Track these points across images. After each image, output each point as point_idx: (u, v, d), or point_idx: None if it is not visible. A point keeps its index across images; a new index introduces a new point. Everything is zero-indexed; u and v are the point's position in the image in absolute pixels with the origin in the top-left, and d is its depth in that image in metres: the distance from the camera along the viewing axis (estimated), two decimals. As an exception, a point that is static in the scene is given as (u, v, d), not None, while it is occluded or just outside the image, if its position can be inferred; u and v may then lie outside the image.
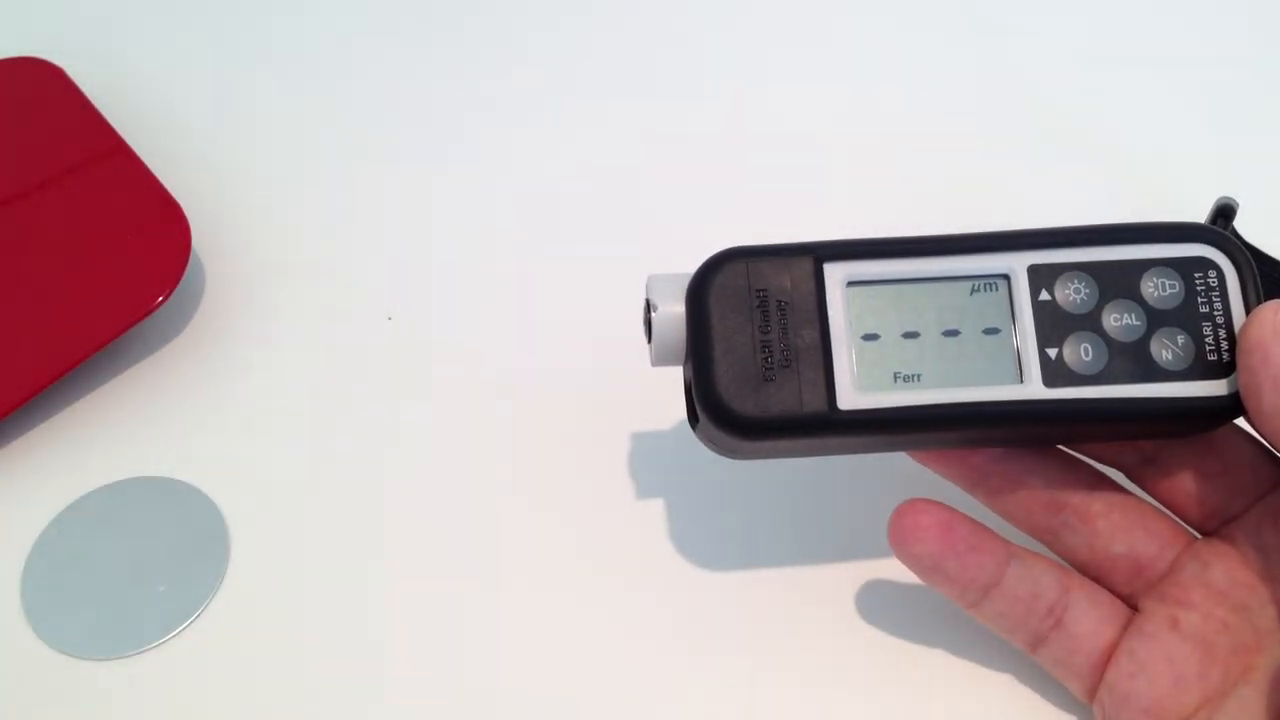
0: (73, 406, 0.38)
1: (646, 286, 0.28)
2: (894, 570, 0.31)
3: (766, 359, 0.26)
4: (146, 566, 0.34)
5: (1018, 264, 0.27)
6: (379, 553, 0.34)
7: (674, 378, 0.29)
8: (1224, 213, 0.35)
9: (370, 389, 0.38)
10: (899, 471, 0.31)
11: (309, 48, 0.49)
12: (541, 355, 0.38)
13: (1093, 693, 0.28)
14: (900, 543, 0.28)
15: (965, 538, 0.27)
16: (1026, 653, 0.29)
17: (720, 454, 0.29)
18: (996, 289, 0.27)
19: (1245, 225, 0.35)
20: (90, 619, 0.33)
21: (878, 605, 0.33)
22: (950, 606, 0.29)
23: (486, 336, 0.39)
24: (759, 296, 0.26)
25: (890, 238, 0.27)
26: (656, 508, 0.35)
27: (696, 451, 0.30)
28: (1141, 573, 0.28)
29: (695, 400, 0.27)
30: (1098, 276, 0.27)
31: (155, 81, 0.47)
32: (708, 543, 0.34)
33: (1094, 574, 0.29)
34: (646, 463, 0.36)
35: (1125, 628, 0.28)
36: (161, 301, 0.37)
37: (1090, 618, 0.28)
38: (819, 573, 0.33)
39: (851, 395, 0.26)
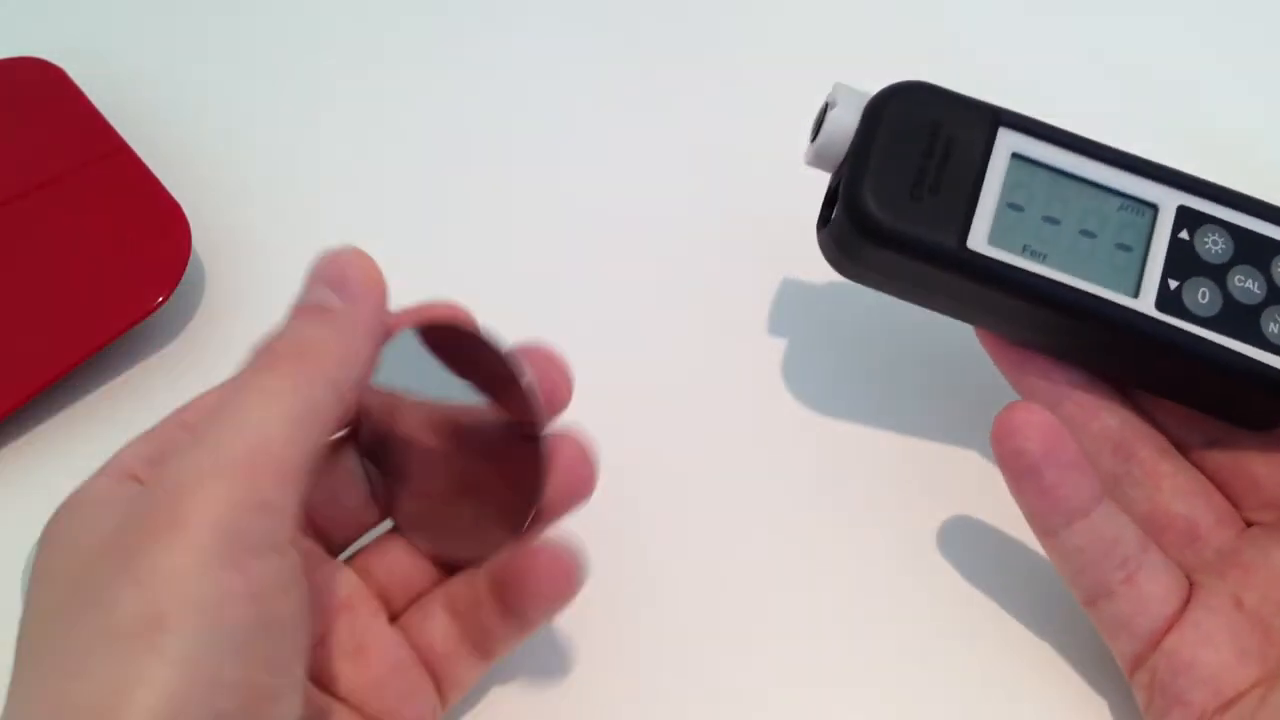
0: (72, 408, 0.38)
1: (831, 90, 0.29)
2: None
3: (918, 181, 0.28)
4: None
5: (1170, 200, 0.28)
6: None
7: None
8: None
9: (371, 390, 0.38)
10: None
11: (310, 48, 0.48)
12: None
13: (1141, 660, 0.28)
14: (1004, 438, 0.27)
15: (1071, 452, 0.27)
16: (1083, 604, 0.28)
17: (835, 259, 0.30)
18: (1143, 214, 0.28)
19: None
20: (89, 621, 0.33)
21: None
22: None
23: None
24: (932, 126, 0.28)
25: (1067, 130, 0.29)
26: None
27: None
28: (1196, 542, 0.28)
29: (840, 198, 0.28)
30: (1238, 239, 0.28)
31: (155, 81, 0.47)
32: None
33: (1148, 531, 0.28)
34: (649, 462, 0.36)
35: (1187, 601, 0.28)
36: (161, 302, 0.37)
37: (1162, 583, 0.28)
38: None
39: (983, 245, 0.27)
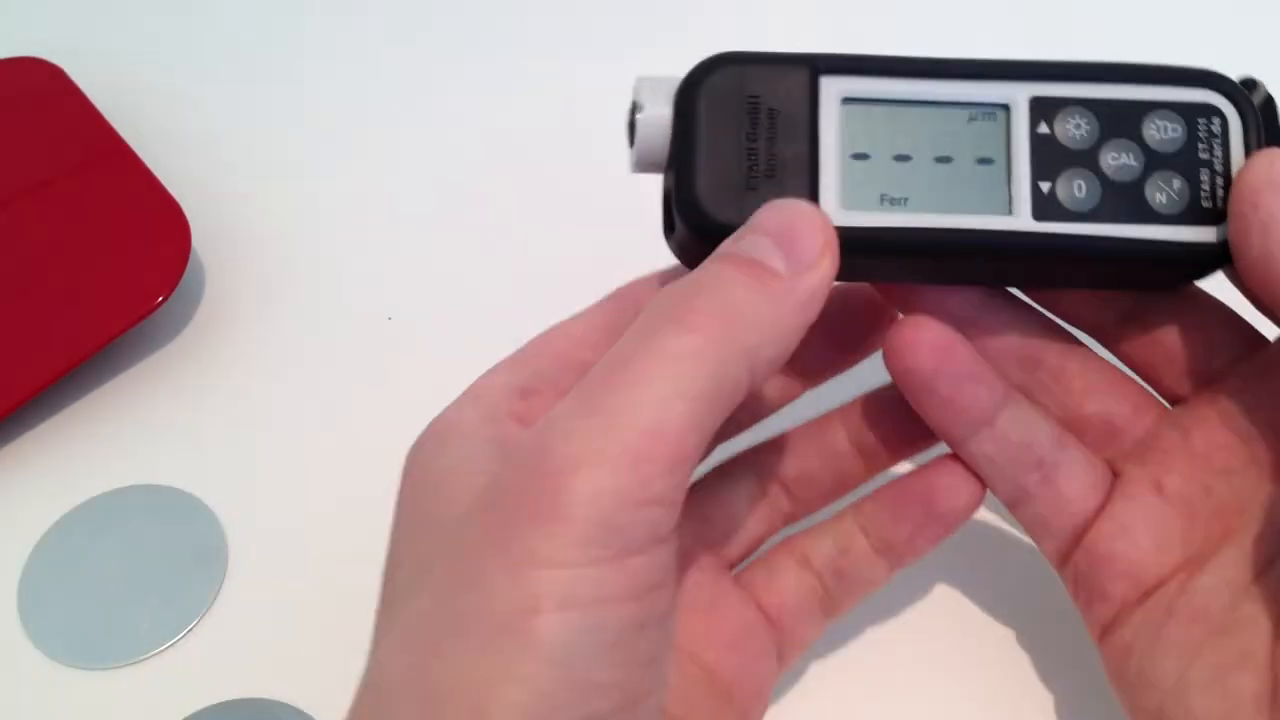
0: (72, 408, 0.38)
1: (634, 88, 0.27)
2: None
3: (751, 168, 0.25)
4: (143, 576, 0.34)
5: (1020, 94, 0.26)
6: (382, 561, 0.34)
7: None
8: (1246, 85, 0.34)
9: (371, 390, 0.38)
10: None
11: (310, 48, 0.48)
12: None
13: (1067, 556, 0.28)
14: (894, 357, 0.26)
15: (965, 363, 0.26)
16: (1007, 507, 0.28)
17: (692, 267, 0.27)
18: (995, 118, 0.26)
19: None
20: (87, 627, 0.33)
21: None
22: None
23: (489, 336, 0.39)
24: (750, 103, 0.25)
25: (891, 56, 0.26)
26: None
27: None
28: (1115, 436, 0.28)
29: (674, 206, 0.26)
30: (1100, 114, 0.26)
31: (155, 81, 0.47)
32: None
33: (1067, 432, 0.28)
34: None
35: (1109, 493, 0.27)
36: (161, 302, 0.37)
37: (1080, 479, 0.27)
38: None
39: (836, 212, 0.25)
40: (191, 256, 0.39)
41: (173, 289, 0.38)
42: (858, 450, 0.28)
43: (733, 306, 0.21)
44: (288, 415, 0.37)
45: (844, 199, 0.25)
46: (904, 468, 0.28)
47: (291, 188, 0.44)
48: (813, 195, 0.25)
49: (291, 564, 0.34)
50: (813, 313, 0.22)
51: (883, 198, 0.25)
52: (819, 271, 0.22)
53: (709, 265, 0.23)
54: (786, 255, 0.22)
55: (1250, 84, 0.33)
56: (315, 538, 0.35)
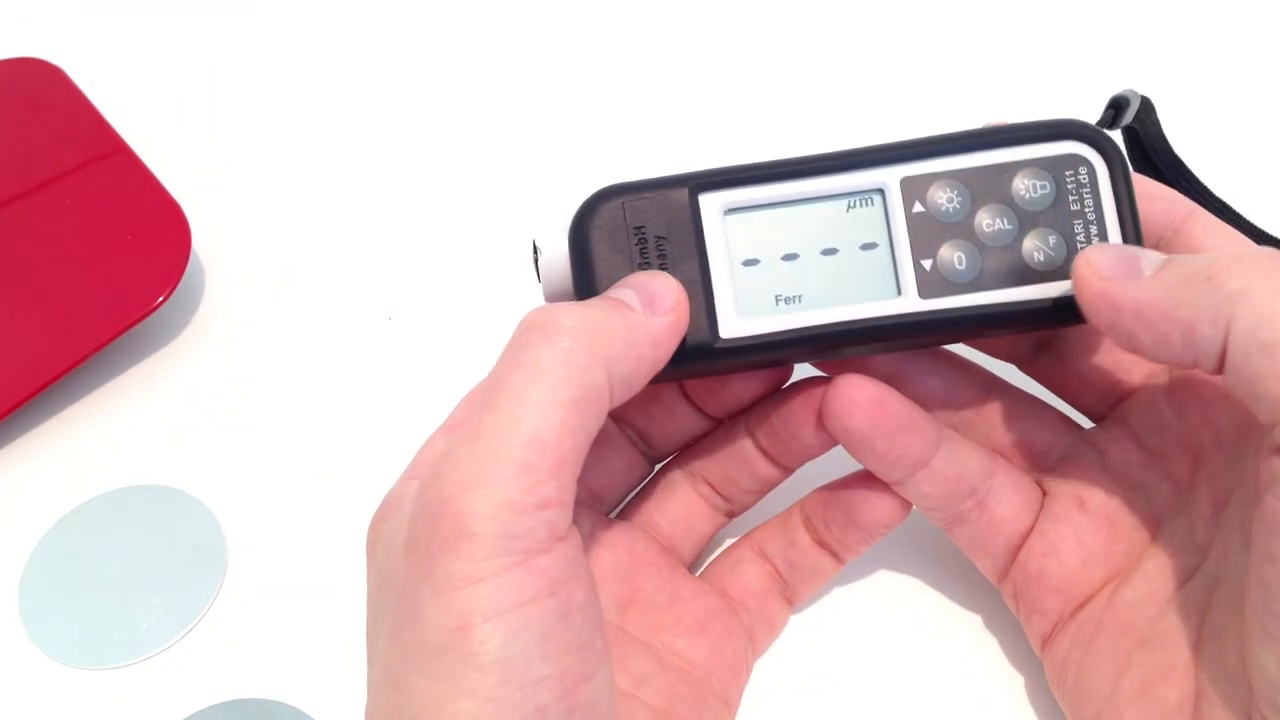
0: (72, 408, 0.38)
1: (534, 232, 0.28)
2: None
3: None
4: (143, 577, 0.34)
5: (891, 178, 0.27)
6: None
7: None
8: (1116, 105, 0.34)
9: (371, 390, 0.38)
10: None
11: (309, 48, 0.49)
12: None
13: (1004, 573, 0.29)
14: (832, 417, 0.27)
15: (897, 416, 0.27)
16: (944, 530, 0.29)
17: None
18: (872, 204, 0.27)
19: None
20: (87, 627, 0.33)
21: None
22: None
23: (489, 336, 0.39)
24: (638, 233, 0.27)
25: (764, 162, 0.27)
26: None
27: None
28: (1038, 459, 0.30)
29: None
30: (969, 183, 0.27)
31: (155, 81, 0.47)
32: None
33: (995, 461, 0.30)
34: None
35: (1038, 513, 0.29)
36: (161, 301, 0.37)
37: (1011, 502, 0.29)
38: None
39: (734, 322, 0.26)
40: (191, 256, 0.39)
41: (173, 289, 0.38)
42: (763, 453, 0.30)
43: (596, 323, 0.24)
44: (288, 415, 0.37)
45: (740, 306, 0.26)
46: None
47: (291, 188, 0.44)
48: (709, 307, 0.26)
49: (291, 564, 0.34)
50: (662, 351, 0.25)
51: (777, 298, 0.27)
52: (669, 319, 0.25)
53: (578, 302, 0.25)
54: (644, 303, 0.25)
55: (1121, 103, 0.33)
56: (315, 538, 0.35)
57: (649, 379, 0.25)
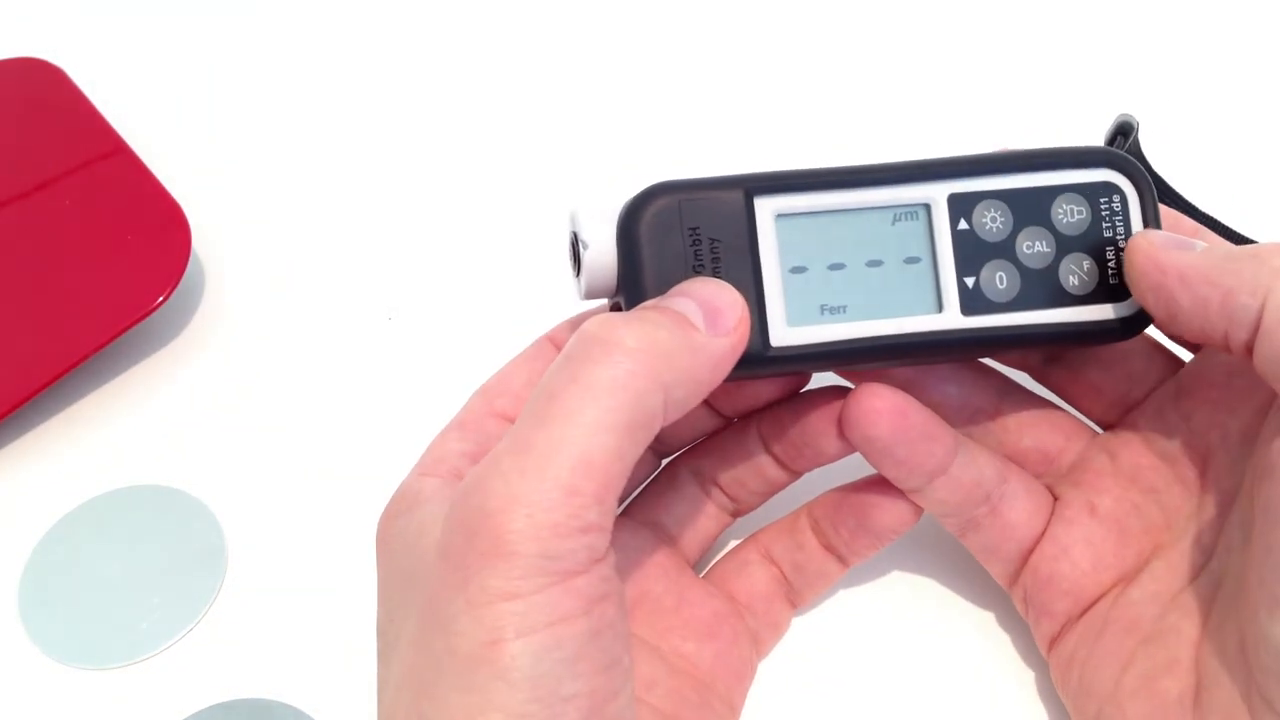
0: (72, 408, 0.38)
1: (572, 218, 0.27)
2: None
3: None
4: (143, 577, 0.34)
5: (938, 193, 0.27)
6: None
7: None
8: (1123, 130, 0.35)
9: (371, 390, 0.38)
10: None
11: (309, 48, 0.49)
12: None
13: (1015, 577, 0.30)
14: (853, 426, 0.27)
15: (918, 425, 0.27)
16: (956, 536, 0.30)
17: None
18: (918, 218, 0.27)
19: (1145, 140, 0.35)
20: (87, 627, 0.33)
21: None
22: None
23: (488, 335, 0.39)
24: (693, 234, 0.26)
25: (818, 168, 0.27)
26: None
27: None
28: (1051, 464, 0.30)
29: None
30: (1013, 204, 0.27)
31: (155, 82, 0.47)
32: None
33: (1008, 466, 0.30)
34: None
35: (1050, 517, 0.29)
36: (161, 301, 0.37)
37: (1024, 507, 0.29)
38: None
39: (783, 331, 0.26)
40: (191, 256, 0.39)
41: (173, 289, 0.38)
42: (774, 458, 0.30)
43: (658, 343, 0.23)
44: (288, 415, 0.37)
45: (789, 315, 0.26)
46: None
47: (291, 188, 0.44)
48: (761, 314, 0.26)
49: (291, 564, 0.34)
50: (720, 374, 0.24)
51: (823, 308, 0.27)
52: (731, 339, 0.24)
53: (639, 309, 0.24)
54: (708, 320, 0.24)
55: (1126, 128, 0.33)
56: (315, 538, 0.35)
57: (702, 400, 0.24)
